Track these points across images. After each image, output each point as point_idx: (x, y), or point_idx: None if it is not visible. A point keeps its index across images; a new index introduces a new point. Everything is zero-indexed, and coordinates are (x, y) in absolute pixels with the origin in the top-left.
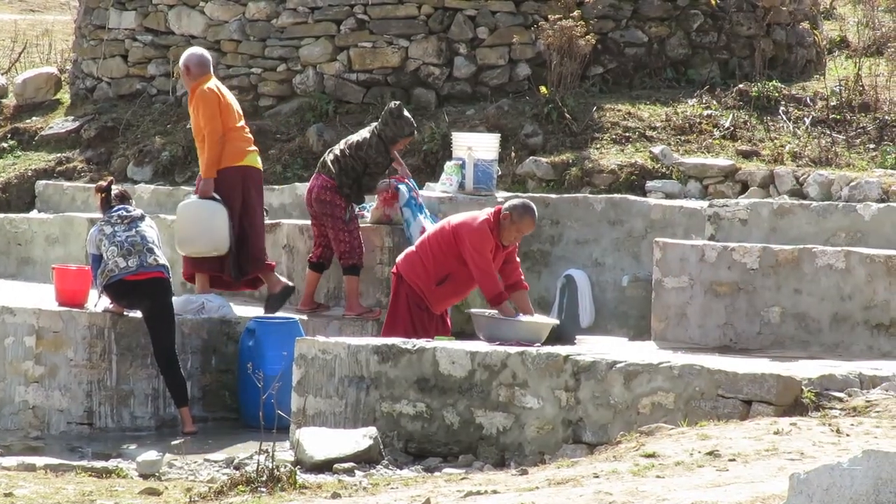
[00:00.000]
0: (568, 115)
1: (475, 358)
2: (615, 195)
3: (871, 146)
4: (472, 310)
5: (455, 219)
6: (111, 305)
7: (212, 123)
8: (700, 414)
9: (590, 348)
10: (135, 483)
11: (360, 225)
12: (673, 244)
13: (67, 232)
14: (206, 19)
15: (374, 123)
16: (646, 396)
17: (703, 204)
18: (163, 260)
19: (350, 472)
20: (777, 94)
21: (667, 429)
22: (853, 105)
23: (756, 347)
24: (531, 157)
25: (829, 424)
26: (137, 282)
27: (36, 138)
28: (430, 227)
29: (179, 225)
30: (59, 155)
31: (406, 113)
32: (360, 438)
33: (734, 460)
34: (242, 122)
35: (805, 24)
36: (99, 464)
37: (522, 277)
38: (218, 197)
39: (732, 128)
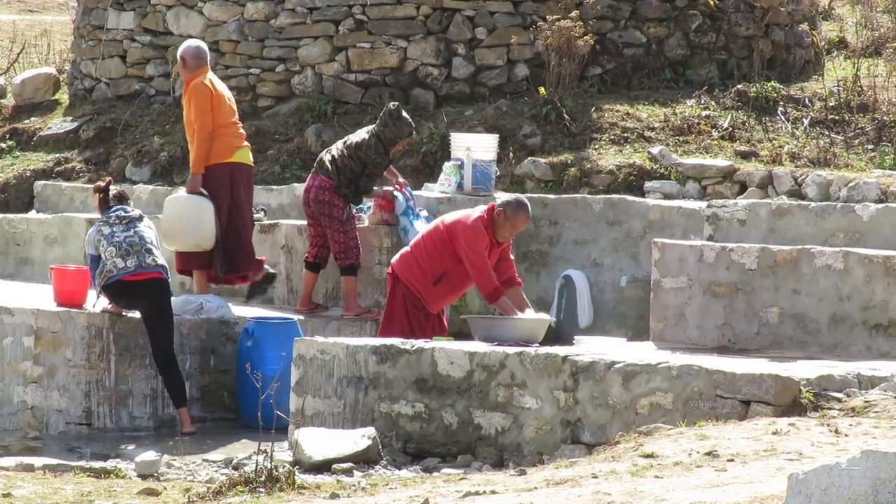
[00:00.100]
0: (566, 116)
1: (474, 358)
2: (614, 196)
3: (870, 147)
4: (467, 315)
5: (449, 217)
6: (110, 306)
7: (202, 118)
8: (698, 414)
9: (588, 349)
10: (133, 483)
11: (358, 226)
12: (671, 245)
13: (66, 232)
14: (205, 20)
15: (373, 125)
16: (644, 397)
17: (702, 204)
18: (161, 260)
19: (349, 472)
20: (775, 95)
21: (665, 429)
22: (851, 106)
23: (754, 348)
24: (530, 158)
25: (828, 425)
26: (136, 282)
27: (34, 139)
28: (424, 227)
29: (165, 219)
30: (57, 155)
31: (405, 114)
32: (358, 439)
33: (733, 460)
34: (235, 118)
35: (803, 25)
36: (97, 464)
37: (516, 274)
38: (206, 192)
39: (731, 128)
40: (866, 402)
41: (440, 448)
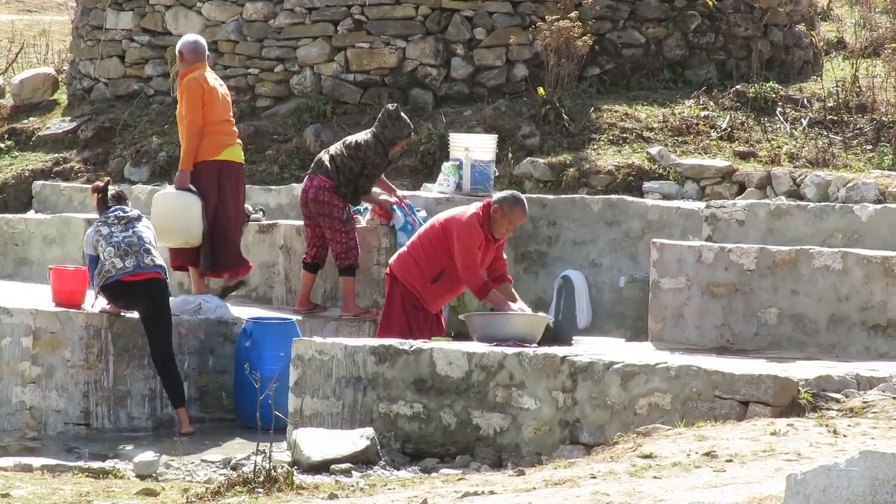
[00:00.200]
0: (565, 116)
1: (472, 359)
2: (612, 196)
3: (868, 147)
4: (465, 314)
5: (444, 215)
6: (108, 306)
7: (192, 114)
8: (697, 415)
9: (587, 349)
10: (132, 484)
11: (356, 227)
12: (670, 245)
13: (64, 232)
14: (204, 20)
15: (371, 128)
16: (643, 397)
17: (701, 205)
18: (159, 260)
19: (347, 472)
20: (774, 96)
21: (664, 429)
22: (850, 106)
23: (753, 348)
24: (528, 158)
25: (826, 425)
26: (134, 282)
27: (33, 139)
28: (421, 227)
29: (154, 216)
30: (56, 155)
31: (403, 115)
32: (357, 439)
33: (731, 461)
34: (227, 116)
35: (802, 26)
36: (96, 464)
37: (507, 271)
38: (194, 189)
39: (729, 129)
40: (865, 402)
41: (439, 448)
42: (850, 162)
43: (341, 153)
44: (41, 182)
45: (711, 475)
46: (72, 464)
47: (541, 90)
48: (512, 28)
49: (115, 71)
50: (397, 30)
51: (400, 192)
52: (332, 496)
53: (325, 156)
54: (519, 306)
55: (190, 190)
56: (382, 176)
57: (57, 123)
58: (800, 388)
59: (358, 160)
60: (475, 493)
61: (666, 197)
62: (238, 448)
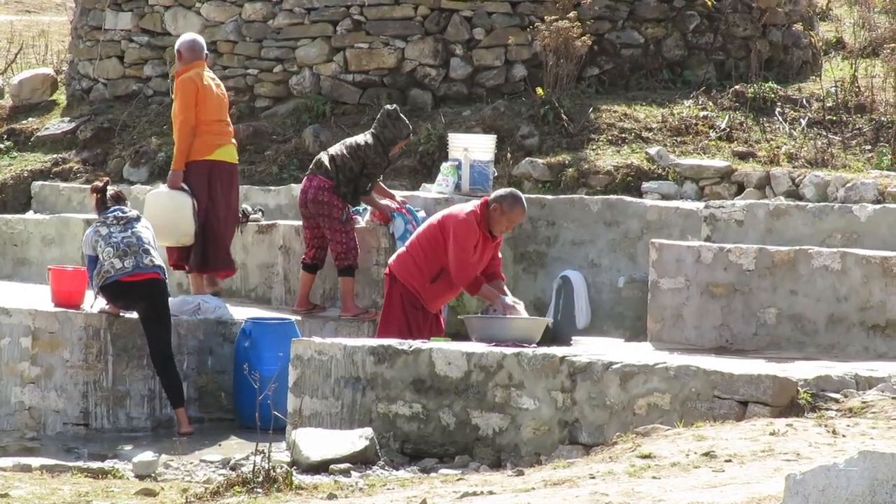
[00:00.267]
0: (564, 117)
1: (471, 359)
2: (611, 196)
3: (867, 147)
4: (464, 315)
5: (441, 213)
6: (107, 306)
7: (184, 114)
8: (696, 415)
9: (586, 349)
10: (131, 484)
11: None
12: (669, 245)
13: (63, 233)
14: (203, 20)
15: (370, 129)
16: (642, 397)
17: (700, 205)
18: (159, 261)
19: (346, 472)
20: (773, 96)
21: (663, 430)
22: (849, 106)
23: (752, 348)
24: (527, 159)
25: (825, 425)
26: (133, 283)
27: (32, 139)
28: (419, 227)
29: (146, 215)
30: (55, 156)
31: (402, 115)
32: (356, 439)
33: (730, 461)
34: (222, 116)
35: (801, 26)
36: (95, 464)
37: (501, 270)
38: (187, 188)
39: (728, 129)
40: (864, 402)
41: (438, 449)
42: (848, 162)
43: (341, 153)
44: (40, 182)
45: (710, 475)
46: (71, 464)
47: (540, 90)
48: (511, 28)
49: (114, 71)
50: (396, 30)
51: (399, 193)
52: (331, 496)
53: (324, 156)
54: (511, 300)
55: (182, 189)
56: (381, 183)
57: (56, 124)
58: (799, 388)
59: (358, 159)
60: (474, 494)
61: (665, 197)
62: (237, 448)
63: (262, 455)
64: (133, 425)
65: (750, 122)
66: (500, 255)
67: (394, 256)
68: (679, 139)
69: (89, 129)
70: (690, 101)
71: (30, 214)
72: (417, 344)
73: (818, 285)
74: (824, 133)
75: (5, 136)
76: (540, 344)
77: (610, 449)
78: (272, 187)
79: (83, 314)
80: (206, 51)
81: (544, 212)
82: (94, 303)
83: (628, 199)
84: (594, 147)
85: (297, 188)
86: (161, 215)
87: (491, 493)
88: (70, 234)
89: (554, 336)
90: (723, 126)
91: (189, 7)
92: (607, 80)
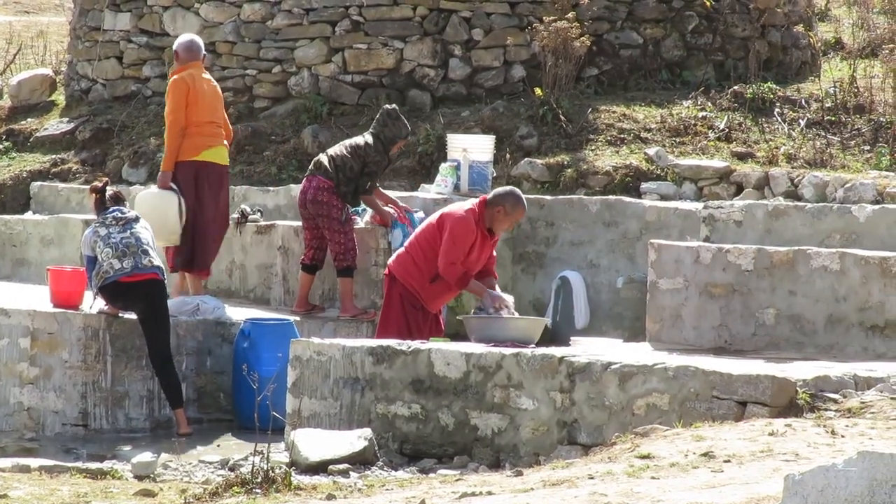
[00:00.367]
0: (563, 117)
1: (470, 359)
2: (610, 197)
3: (866, 148)
4: (463, 316)
5: (439, 212)
6: (106, 307)
7: (174, 115)
8: (695, 415)
9: (585, 350)
10: (130, 484)
11: (354, 227)
12: (668, 246)
13: (62, 233)
14: (201, 21)
15: (368, 131)
16: (640, 398)
17: (698, 205)
18: (157, 262)
19: (345, 473)
20: (772, 96)
21: (662, 430)
22: (848, 107)
23: (751, 349)
24: (526, 159)
25: (824, 426)
26: (132, 283)
27: (31, 140)
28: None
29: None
30: (53, 156)
31: (401, 115)
32: (354, 440)
33: (729, 461)
34: (213, 118)
35: (800, 26)
36: (94, 465)
37: (494, 268)
38: (175, 188)
39: (727, 129)
40: (863, 403)
41: (436, 449)
42: (847, 162)
43: (341, 153)
44: (39, 183)
45: (709, 475)
46: (70, 464)
47: (538, 91)
48: (509, 29)
49: (112, 72)
50: (395, 31)
51: (398, 194)
52: (330, 497)
53: (323, 157)
54: (499, 293)
55: (171, 189)
56: (385, 191)
57: (55, 124)
58: (798, 388)
59: (358, 158)
60: (473, 494)
61: (664, 197)
62: (236, 449)
63: (260, 456)
64: (132, 426)
65: (749, 123)
66: (494, 253)
67: (393, 257)
68: (678, 140)
69: (88, 129)
70: (689, 101)
71: (29, 215)
72: (416, 344)
73: (817, 286)
74: (823, 133)
75: (4, 137)
76: (539, 344)
77: (609, 449)
78: (271, 188)
79: (82, 315)
80: (203, 52)
81: (543, 212)
82: (92, 303)
83: (627, 199)
84: (593, 147)
85: (295, 189)
86: (148, 214)
87: (490, 493)
88: (69, 234)
89: (553, 336)
90: (721, 126)
91: (188, 7)
92: (606, 81)
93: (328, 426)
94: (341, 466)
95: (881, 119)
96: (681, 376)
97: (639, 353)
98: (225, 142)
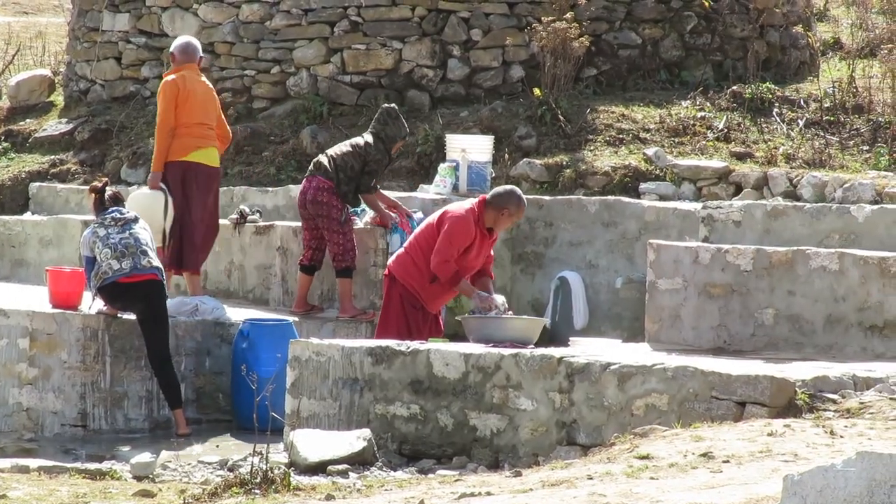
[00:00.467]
0: (562, 117)
1: (469, 360)
2: (609, 197)
3: (865, 148)
4: (462, 316)
5: (438, 212)
6: (105, 307)
7: (163, 115)
8: (694, 415)
9: (584, 350)
10: (128, 485)
11: (354, 227)
12: (667, 246)
13: (61, 234)
14: (200, 21)
15: (367, 131)
16: (640, 398)
17: (697, 206)
18: (156, 262)
19: (344, 473)
20: (771, 96)
21: (661, 430)
22: (847, 107)
23: (750, 349)
24: (525, 159)
25: (823, 426)
26: (131, 284)
27: (29, 140)
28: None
29: None
30: (52, 157)
31: (400, 115)
32: (353, 440)
33: (728, 462)
34: (204, 119)
35: (798, 27)
36: (93, 466)
37: (490, 267)
38: (164, 188)
39: (726, 129)
40: (861, 403)
41: (435, 449)
42: (846, 163)
43: (341, 153)
44: (38, 184)
45: (708, 476)
46: (69, 465)
47: (537, 91)
48: (508, 29)
49: (111, 73)
50: (394, 31)
51: (397, 194)
52: (329, 497)
53: (323, 158)
54: (486, 294)
55: (161, 189)
56: (383, 192)
57: (53, 125)
58: (797, 388)
59: (359, 158)
60: (472, 494)
61: (662, 198)
62: (235, 449)
63: (259, 456)
64: (131, 426)
65: (747, 123)
66: (492, 253)
67: (393, 257)
68: (677, 140)
69: (87, 130)
70: (688, 101)
71: (27, 216)
72: (415, 345)
73: (816, 286)
74: (822, 134)
75: (3, 138)
76: (538, 345)
77: (608, 450)
78: (270, 188)
79: (81, 315)
80: (200, 53)
81: (542, 213)
82: (91, 304)
83: (626, 199)
84: (592, 148)
85: (294, 189)
86: (137, 213)
87: (489, 493)
88: (68, 235)
89: (552, 337)
90: (720, 127)
91: (186, 8)
92: (605, 81)
93: (327, 427)
94: (340, 467)
95: (880, 119)
96: (680, 377)
97: (638, 354)
98: (216, 143)
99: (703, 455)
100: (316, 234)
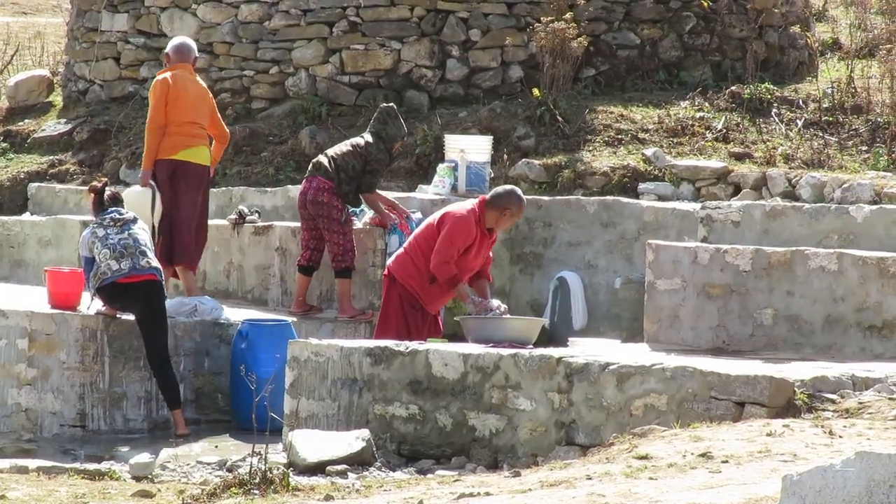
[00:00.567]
0: (560, 118)
1: (468, 360)
2: (608, 197)
3: (864, 148)
4: (461, 316)
5: (439, 212)
6: (104, 308)
7: (153, 113)
8: (693, 416)
9: (582, 350)
10: (127, 485)
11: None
12: (665, 246)
13: (60, 234)
14: (199, 22)
15: (366, 131)
16: (638, 398)
17: (696, 206)
18: (155, 262)
19: (343, 474)
20: (769, 97)
21: (659, 430)
22: (845, 107)
23: (749, 349)
24: (524, 160)
25: (822, 426)
26: (130, 284)
27: (28, 141)
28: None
29: None
30: (51, 157)
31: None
32: (352, 440)
33: (727, 462)
34: (195, 118)
35: (797, 27)
36: (92, 466)
37: (489, 269)
38: (153, 185)
39: (725, 130)
40: (860, 403)
41: (434, 450)
42: (845, 163)
43: (341, 152)
44: (36, 184)
45: (707, 476)
46: (68, 465)
47: (536, 91)
48: (507, 29)
49: (110, 73)
50: (392, 31)
51: (395, 195)
52: (328, 497)
53: (323, 158)
54: (479, 300)
55: (151, 186)
56: (381, 192)
57: (52, 125)
58: (795, 388)
59: (360, 157)
60: (471, 495)
61: (661, 198)
62: (234, 450)
63: (258, 456)
64: (130, 427)
65: (746, 123)
66: (491, 254)
67: (392, 257)
68: (675, 140)
69: (86, 130)
70: (687, 102)
71: (26, 216)
72: (414, 345)
73: (815, 286)
74: (821, 134)
75: (2, 138)
76: (536, 345)
77: (607, 450)
78: (268, 189)
79: (80, 316)
80: (194, 54)
81: (541, 213)
82: (90, 304)
83: (625, 200)
84: (590, 148)
85: (293, 189)
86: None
87: (487, 494)
88: (66, 235)
89: (550, 337)
90: (719, 127)
91: (185, 8)
92: (603, 82)
93: (326, 427)
94: (339, 467)
95: (878, 119)
96: (679, 377)
97: (637, 354)
98: (206, 142)
99: (702, 455)
100: (315, 235)
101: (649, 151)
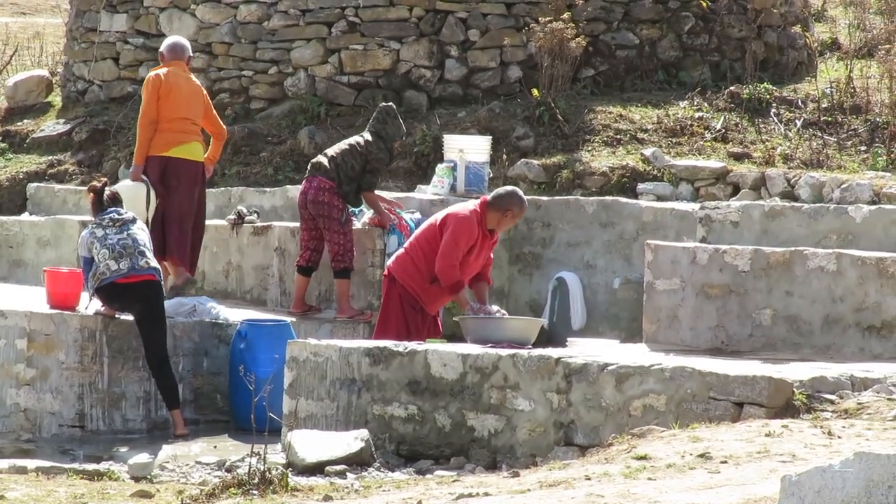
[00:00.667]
0: (559, 118)
1: (467, 360)
2: (607, 197)
3: (863, 148)
4: (460, 316)
5: (440, 213)
6: (103, 308)
7: (145, 108)
8: (691, 416)
9: (581, 351)
10: (126, 485)
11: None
12: (664, 246)
13: (59, 234)
14: (198, 22)
15: (365, 130)
16: (637, 398)
17: (695, 206)
18: (154, 263)
19: (342, 474)
20: (768, 97)
21: (658, 431)
22: (844, 107)
23: (747, 349)
24: (523, 160)
25: (821, 426)
26: (129, 284)
27: (27, 141)
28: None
29: None
30: (50, 157)
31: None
32: (351, 441)
33: (726, 462)
34: (188, 115)
35: (796, 27)
36: (90, 466)
37: (489, 272)
38: (146, 180)
39: (724, 130)
40: (859, 403)
41: (433, 450)
42: (844, 163)
43: (341, 152)
44: (35, 184)
45: (706, 476)
46: (66, 466)
47: (535, 92)
48: (506, 29)
49: (109, 73)
50: (391, 31)
51: (394, 195)
52: (327, 498)
53: (322, 158)
54: (478, 306)
55: (143, 181)
56: (379, 193)
57: (51, 126)
58: (794, 389)
59: (360, 157)
60: (470, 495)
61: (660, 198)
62: (232, 450)
63: (257, 457)
64: (128, 427)
65: (745, 123)
66: (491, 255)
67: (392, 258)
68: (674, 140)
69: (84, 130)
70: (686, 102)
71: (25, 216)
72: (413, 345)
73: (814, 286)
74: (820, 134)
75: (1, 139)
76: (535, 345)
77: (605, 450)
78: (267, 189)
79: (79, 316)
80: (188, 53)
81: (540, 213)
82: (89, 304)
83: (624, 200)
84: (589, 148)
85: (292, 189)
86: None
87: (486, 494)
88: (65, 235)
89: (549, 337)
90: (718, 127)
91: (184, 9)
92: (602, 82)
93: (325, 427)
94: (338, 467)
95: (877, 119)
96: (677, 377)
97: (635, 354)
98: (199, 139)
99: (701, 456)
100: (315, 235)
101: (648, 151)
